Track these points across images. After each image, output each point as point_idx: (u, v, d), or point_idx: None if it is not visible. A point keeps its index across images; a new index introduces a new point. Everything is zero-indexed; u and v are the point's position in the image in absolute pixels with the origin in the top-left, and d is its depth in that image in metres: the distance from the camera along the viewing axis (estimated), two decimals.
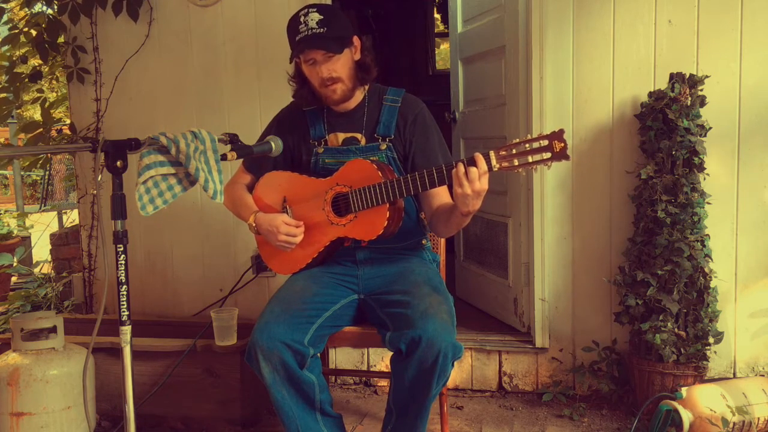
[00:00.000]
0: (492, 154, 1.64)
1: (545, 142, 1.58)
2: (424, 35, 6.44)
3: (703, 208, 2.42)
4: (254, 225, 2.00)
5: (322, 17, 1.89)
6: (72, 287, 3.36)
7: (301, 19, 1.90)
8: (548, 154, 1.58)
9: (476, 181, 1.65)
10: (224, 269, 3.06)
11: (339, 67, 1.94)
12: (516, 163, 1.62)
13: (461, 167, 1.66)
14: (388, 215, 1.84)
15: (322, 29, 1.88)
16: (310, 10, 1.91)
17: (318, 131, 2.06)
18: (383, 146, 1.99)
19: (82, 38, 3.08)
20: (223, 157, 1.64)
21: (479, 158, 1.64)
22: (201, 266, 3.10)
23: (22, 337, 2.22)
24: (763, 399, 2.21)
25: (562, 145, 1.57)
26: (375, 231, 1.86)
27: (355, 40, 1.98)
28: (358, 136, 2.02)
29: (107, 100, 3.09)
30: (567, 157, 1.58)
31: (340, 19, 1.93)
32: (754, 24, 2.46)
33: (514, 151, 1.62)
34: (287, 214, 2.00)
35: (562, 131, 1.58)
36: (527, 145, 1.60)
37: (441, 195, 1.93)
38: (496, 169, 1.64)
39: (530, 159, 1.60)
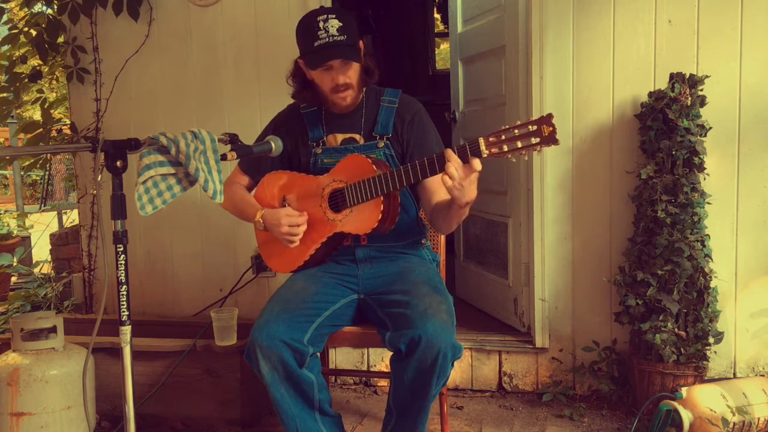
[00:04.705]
0: (481, 140, 1.62)
1: (534, 127, 1.57)
2: (424, 35, 6.44)
3: (703, 208, 2.42)
4: (261, 221, 2.00)
5: (341, 24, 1.87)
6: (72, 287, 3.36)
7: (320, 24, 1.87)
8: (537, 139, 1.57)
9: (461, 169, 1.63)
10: (224, 269, 3.06)
11: (352, 73, 1.94)
12: (505, 149, 1.60)
13: (451, 159, 1.64)
14: (382, 208, 1.83)
15: (342, 36, 1.87)
16: (329, 16, 1.88)
17: (316, 133, 2.06)
18: (381, 144, 2.00)
19: (82, 38, 3.08)
20: (223, 157, 1.64)
21: (467, 149, 1.63)
22: (201, 266, 3.10)
23: (22, 337, 2.22)
24: (763, 399, 2.21)
25: (551, 129, 1.55)
26: (370, 224, 1.85)
27: (361, 44, 1.97)
28: (357, 137, 2.03)
29: (107, 100, 3.09)
30: (556, 142, 1.55)
31: (354, 26, 1.92)
32: (754, 24, 2.46)
33: (503, 137, 1.60)
34: None
35: (550, 115, 1.56)
36: (516, 131, 1.58)
37: (439, 192, 1.93)
38: (485, 155, 1.62)
39: (519, 144, 1.58)
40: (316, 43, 1.88)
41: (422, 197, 2.01)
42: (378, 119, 2.02)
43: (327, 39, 1.86)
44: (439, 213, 1.91)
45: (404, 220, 1.98)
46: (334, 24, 1.87)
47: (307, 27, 1.91)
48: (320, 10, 1.94)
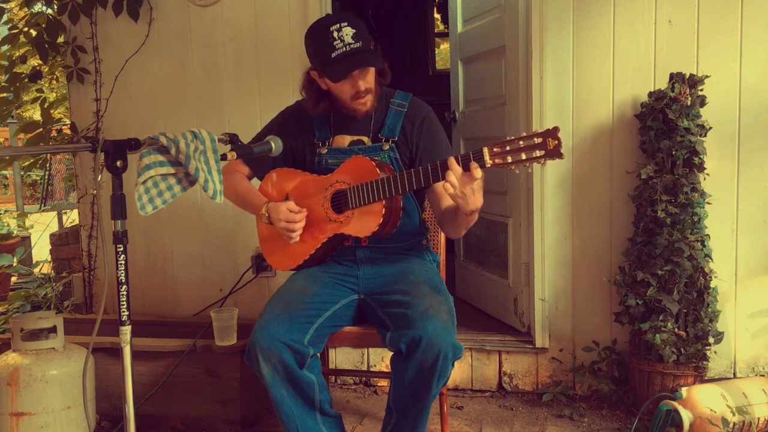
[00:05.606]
0: (485, 150, 1.62)
1: (539, 140, 1.56)
2: (424, 35, 6.44)
3: (703, 208, 2.43)
4: (266, 214, 1.99)
5: (354, 31, 1.83)
6: (72, 287, 3.36)
7: (335, 34, 1.82)
8: (541, 152, 1.56)
9: (461, 177, 1.63)
10: (224, 269, 3.06)
11: (371, 78, 1.92)
12: (509, 161, 1.59)
13: (451, 167, 1.64)
14: (383, 212, 1.83)
15: (358, 43, 1.83)
16: (341, 24, 1.84)
17: (323, 134, 2.05)
18: (386, 146, 1.99)
19: (82, 38, 3.08)
20: (223, 157, 1.64)
21: (470, 158, 1.63)
22: (201, 266, 3.10)
23: (22, 337, 2.22)
24: (763, 399, 2.21)
25: (556, 142, 1.55)
26: (370, 228, 1.85)
27: (371, 45, 1.94)
28: (365, 139, 2.02)
29: (107, 100, 3.09)
30: (561, 156, 1.55)
31: (365, 29, 1.88)
32: (754, 24, 2.46)
33: (507, 148, 1.60)
34: None
35: (556, 129, 1.56)
36: (521, 143, 1.58)
37: (447, 197, 1.93)
38: (488, 165, 1.62)
39: (523, 156, 1.58)
40: (333, 54, 1.83)
41: (432, 201, 2.01)
42: (386, 122, 2.01)
43: (344, 48, 1.82)
44: (448, 219, 1.91)
45: (406, 224, 1.98)
46: (348, 32, 1.83)
47: (320, 38, 1.85)
48: (329, 18, 1.90)
